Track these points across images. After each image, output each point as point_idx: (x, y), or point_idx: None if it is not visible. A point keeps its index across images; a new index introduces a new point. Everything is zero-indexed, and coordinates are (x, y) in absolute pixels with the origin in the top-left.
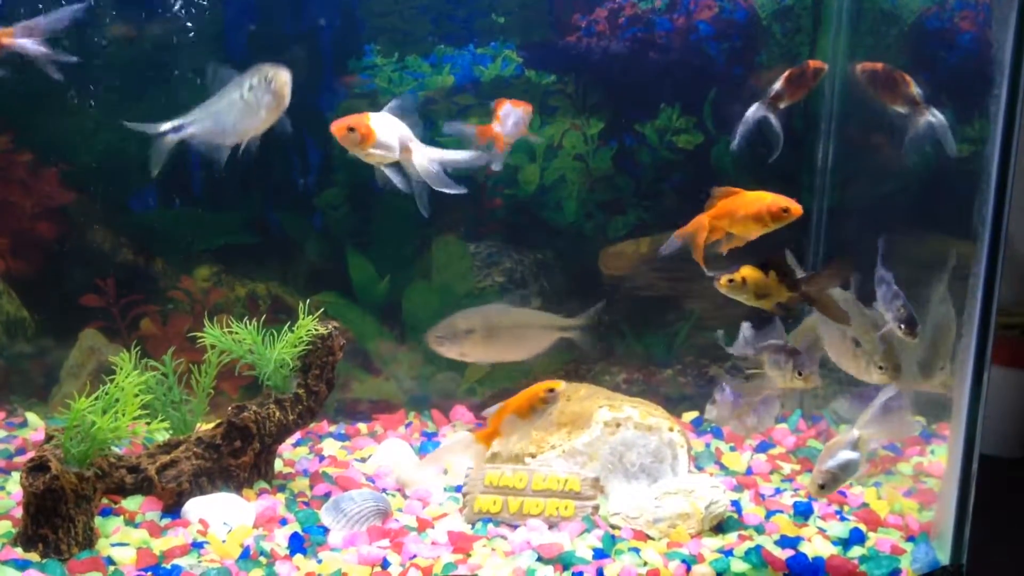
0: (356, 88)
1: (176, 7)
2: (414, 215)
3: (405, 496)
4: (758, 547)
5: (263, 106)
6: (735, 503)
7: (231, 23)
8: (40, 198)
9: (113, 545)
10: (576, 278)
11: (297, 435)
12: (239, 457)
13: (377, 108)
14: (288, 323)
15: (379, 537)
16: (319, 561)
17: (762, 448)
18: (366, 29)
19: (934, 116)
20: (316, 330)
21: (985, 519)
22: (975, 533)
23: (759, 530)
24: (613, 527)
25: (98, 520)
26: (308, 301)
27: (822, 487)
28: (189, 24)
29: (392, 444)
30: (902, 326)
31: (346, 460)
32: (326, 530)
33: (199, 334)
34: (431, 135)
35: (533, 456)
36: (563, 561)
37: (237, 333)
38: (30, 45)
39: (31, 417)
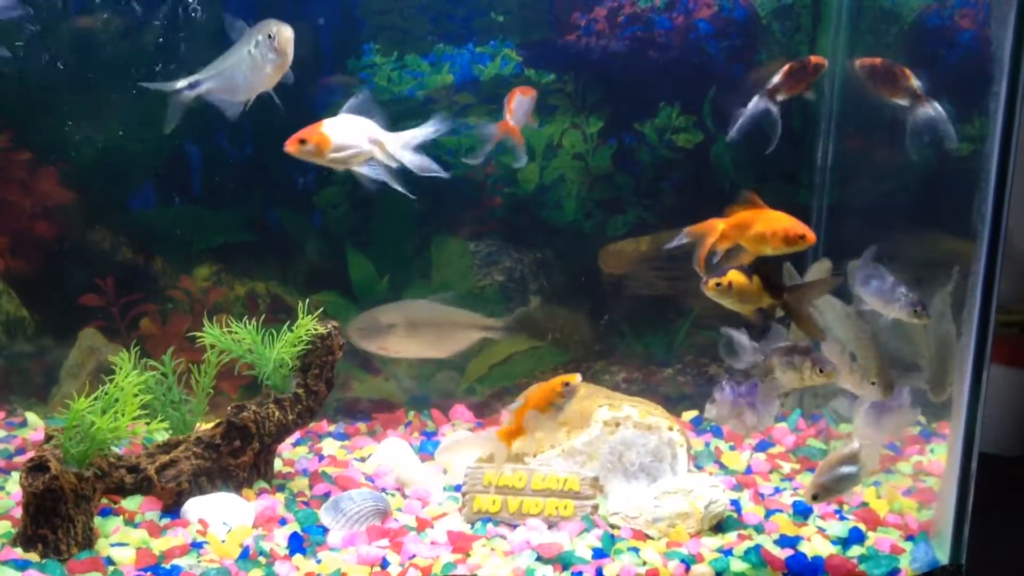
0: (354, 88)
1: (174, 8)
2: (414, 214)
3: (404, 495)
4: (757, 546)
5: (268, 62)
6: (734, 502)
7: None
8: (39, 197)
9: (113, 545)
10: (576, 277)
11: (296, 435)
12: (238, 457)
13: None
14: (287, 322)
15: (378, 537)
16: (318, 561)
17: (762, 447)
18: (365, 28)
19: (934, 108)
20: (316, 329)
21: (984, 518)
22: (974, 532)
23: (758, 529)
24: (612, 526)
25: (97, 520)
26: (308, 300)
27: (815, 497)
28: (188, 25)
29: (392, 444)
30: (916, 310)
31: (345, 460)
32: (325, 530)
33: (198, 334)
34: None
35: (533, 455)
36: (562, 561)
37: (236, 333)
38: None
39: (31, 417)
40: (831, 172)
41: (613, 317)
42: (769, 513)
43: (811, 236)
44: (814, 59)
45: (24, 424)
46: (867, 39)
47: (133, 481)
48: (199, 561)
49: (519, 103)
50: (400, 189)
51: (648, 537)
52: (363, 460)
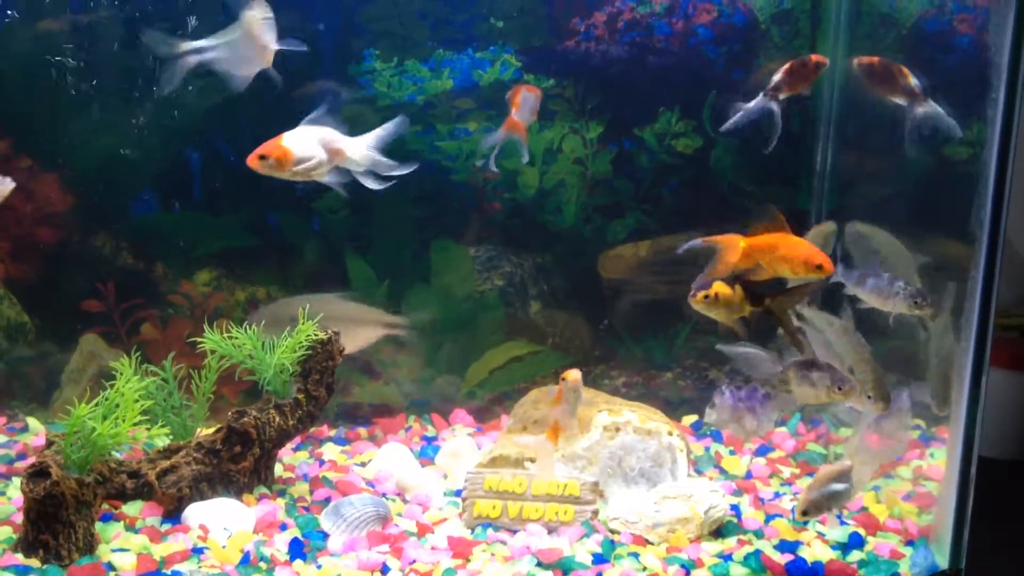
0: (356, 93)
1: (176, 12)
2: (413, 219)
3: (405, 500)
4: (757, 552)
5: (265, 23)
6: (734, 507)
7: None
8: (40, 203)
9: (114, 551)
10: (575, 282)
11: (297, 440)
12: (239, 462)
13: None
14: (288, 328)
15: (379, 542)
16: (319, 566)
17: (762, 452)
18: (365, 34)
19: (932, 106)
20: (316, 335)
21: (984, 522)
22: (974, 537)
23: (758, 534)
24: (612, 532)
25: (98, 526)
26: (308, 305)
27: (805, 513)
28: (188, 30)
29: (392, 448)
30: (916, 301)
31: (346, 464)
32: (326, 535)
33: (199, 339)
34: (432, 139)
35: (533, 460)
36: (562, 566)
37: (237, 338)
38: None
39: (32, 422)
40: (830, 177)
41: (613, 322)
42: (769, 518)
43: (829, 267)
44: (815, 57)
45: (25, 429)
46: (866, 44)
47: (134, 486)
48: (200, 567)
49: (524, 99)
50: (372, 186)
51: (648, 542)
52: (363, 465)
